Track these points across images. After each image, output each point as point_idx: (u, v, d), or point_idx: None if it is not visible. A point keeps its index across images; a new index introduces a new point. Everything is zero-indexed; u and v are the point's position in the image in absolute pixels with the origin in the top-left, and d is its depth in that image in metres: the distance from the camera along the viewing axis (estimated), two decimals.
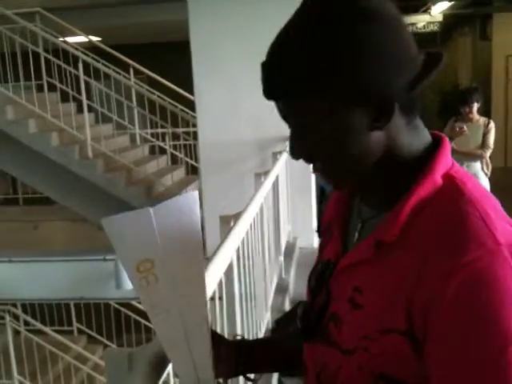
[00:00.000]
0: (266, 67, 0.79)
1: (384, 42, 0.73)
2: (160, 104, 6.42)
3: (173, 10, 6.51)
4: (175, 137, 7.05)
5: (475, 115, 5.14)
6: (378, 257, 0.79)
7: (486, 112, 5.82)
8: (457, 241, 0.71)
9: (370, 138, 0.77)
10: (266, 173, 3.06)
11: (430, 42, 9.91)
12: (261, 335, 2.79)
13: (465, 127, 5.02)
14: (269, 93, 0.79)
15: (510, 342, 0.68)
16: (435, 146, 0.82)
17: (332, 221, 0.94)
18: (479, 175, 5.11)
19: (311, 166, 0.84)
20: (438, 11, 9.10)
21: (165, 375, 0.95)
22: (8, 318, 5.77)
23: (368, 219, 0.86)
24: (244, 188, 4.20)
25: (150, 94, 6.44)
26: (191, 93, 5.87)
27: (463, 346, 0.69)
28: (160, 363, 0.90)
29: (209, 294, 1.45)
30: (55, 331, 6.34)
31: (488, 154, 5.10)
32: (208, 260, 1.60)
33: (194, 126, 6.30)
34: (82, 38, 7.09)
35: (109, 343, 7.48)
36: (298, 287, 4.00)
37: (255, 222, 2.56)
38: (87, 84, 5.88)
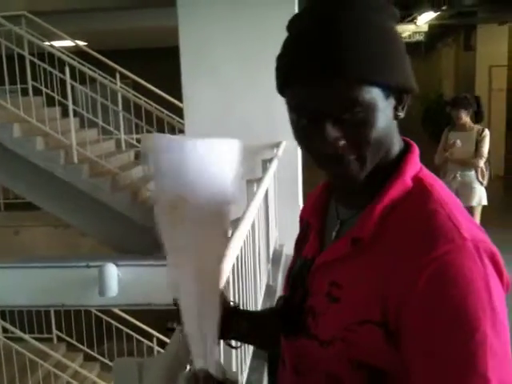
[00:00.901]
0: (320, 38, 0.78)
1: (401, 42, 0.86)
2: (146, 109, 6.38)
3: (161, 16, 6.48)
4: None
5: (468, 123, 5.04)
6: (354, 254, 0.85)
7: None
8: (427, 237, 0.77)
9: (391, 127, 0.85)
10: (259, 180, 3.04)
11: (415, 51, 10.03)
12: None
13: (458, 141, 5.00)
14: (322, 68, 0.77)
15: (475, 329, 0.73)
16: (406, 151, 0.89)
17: (309, 220, 1.01)
18: (474, 184, 5.04)
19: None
20: (423, 21, 9.21)
21: None
22: None
23: (346, 219, 0.91)
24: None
25: (136, 99, 6.39)
26: (178, 99, 5.85)
27: (434, 335, 0.74)
28: (171, 377, 0.86)
29: None
30: (34, 339, 6.26)
31: (481, 162, 4.99)
32: None
33: (181, 131, 6.28)
34: (68, 43, 7.03)
35: (89, 351, 7.40)
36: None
37: (251, 229, 2.54)
38: (72, 88, 5.81)
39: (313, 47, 0.78)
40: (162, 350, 7.13)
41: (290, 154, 4.45)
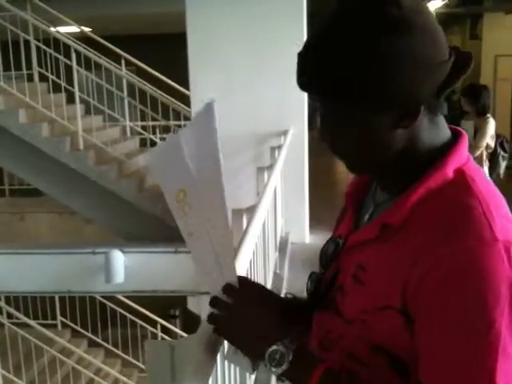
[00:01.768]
0: (304, 61, 0.83)
1: (413, 51, 0.78)
2: (151, 95, 6.36)
3: (168, 2, 6.45)
4: (166, 129, 6.99)
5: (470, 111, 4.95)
6: (382, 238, 0.85)
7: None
8: (455, 229, 0.77)
9: (393, 136, 0.83)
10: (270, 167, 3.03)
11: None
12: None
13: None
14: (302, 85, 0.84)
15: (489, 328, 0.73)
16: (453, 142, 0.87)
17: (347, 200, 1.01)
18: None
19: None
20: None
21: None
22: None
23: (380, 203, 0.92)
24: (240, 182, 4.17)
25: (141, 85, 6.37)
26: (183, 86, 5.83)
27: (445, 326, 0.75)
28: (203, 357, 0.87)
29: None
30: (39, 325, 6.29)
31: (476, 153, 4.85)
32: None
33: (186, 118, 6.27)
34: (73, 29, 7.00)
35: (93, 337, 7.44)
36: (291, 282, 3.99)
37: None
38: (77, 74, 5.79)
39: (299, 59, 0.84)
40: (165, 336, 7.18)
41: (296, 142, 4.45)
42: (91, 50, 6.22)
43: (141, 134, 7.04)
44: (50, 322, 7.19)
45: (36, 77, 6.41)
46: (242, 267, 1.51)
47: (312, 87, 0.84)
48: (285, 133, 4.29)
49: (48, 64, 6.23)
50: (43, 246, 5.66)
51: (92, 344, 7.48)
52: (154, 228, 5.56)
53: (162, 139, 7.01)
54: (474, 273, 0.74)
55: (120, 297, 6.97)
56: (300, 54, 0.84)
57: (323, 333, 0.94)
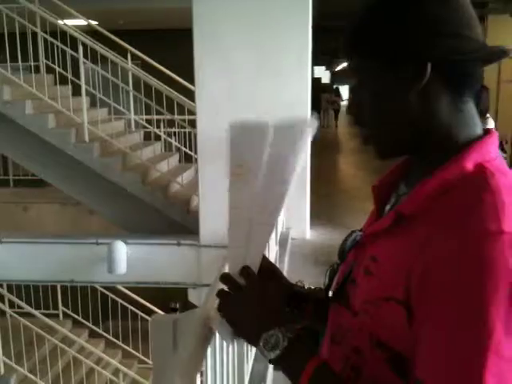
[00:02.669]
0: (345, 29, 0.90)
1: (430, 11, 0.83)
2: (156, 89, 6.41)
3: None
4: (170, 124, 7.05)
5: None
6: (395, 229, 0.85)
7: None
8: (461, 222, 0.76)
9: (408, 101, 0.85)
10: None
11: None
12: None
13: None
14: (342, 49, 0.91)
15: (481, 323, 0.71)
16: (479, 138, 0.86)
17: (374, 193, 1.01)
18: None
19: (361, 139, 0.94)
20: None
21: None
22: None
23: (401, 195, 0.92)
24: None
25: (146, 79, 6.42)
26: (188, 80, 5.87)
27: (441, 318, 0.74)
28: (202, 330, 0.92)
29: None
30: (41, 314, 6.34)
31: None
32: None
33: (190, 113, 6.32)
34: (80, 22, 7.04)
35: (94, 327, 7.51)
36: (290, 277, 4.04)
37: None
38: (84, 67, 5.85)
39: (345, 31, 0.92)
40: None
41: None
42: (98, 43, 6.27)
43: (145, 127, 7.10)
44: (51, 311, 7.25)
45: (43, 68, 6.46)
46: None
47: (346, 47, 0.90)
48: None
49: (55, 56, 6.28)
50: (46, 236, 5.72)
51: (93, 334, 7.55)
52: (157, 220, 5.62)
53: (166, 133, 7.08)
54: (473, 266, 0.73)
55: (121, 288, 7.03)
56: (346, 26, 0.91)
57: (335, 326, 0.95)
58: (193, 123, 5.53)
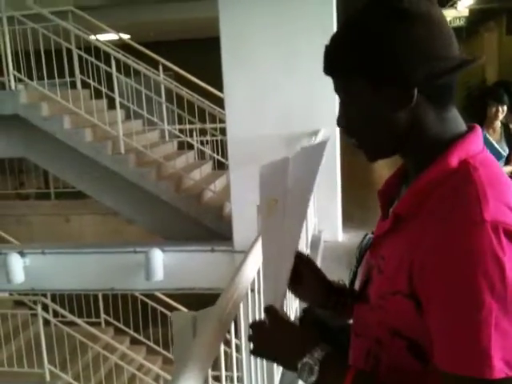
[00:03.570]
0: (326, 48, 0.95)
1: (413, 38, 0.86)
2: (188, 99, 6.53)
3: (202, 7, 6.60)
4: (202, 132, 7.16)
5: (497, 122, 4.29)
6: (396, 229, 0.93)
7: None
8: (448, 214, 0.82)
9: (396, 118, 0.90)
10: None
11: (456, 36, 9.85)
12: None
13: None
14: (324, 68, 0.96)
15: (479, 305, 0.77)
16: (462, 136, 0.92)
17: (379, 197, 1.07)
18: None
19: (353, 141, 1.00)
20: (464, 6, 9.07)
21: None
22: (40, 308, 5.95)
23: (400, 197, 0.98)
24: None
25: (178, 90, 6.55)
26: (218, 89, 5.97)
27: (444, 307, 0.80)
28: (220, 327, 0.99)
29: (247, 284, 1.56)
30: (84, 322, 6.51)
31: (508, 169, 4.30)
32: (247, 252, 1.67)
33: (221, 121, 6.41)
34: (112, 36, 7.23)
35: (135, 335, 7.64)
36: None
37: None
38: (117, 80, 6.01)
39: (325, 52, 0.96)
40: None
41: (328, 142, 4.51)
42: (130, 56, 6.43)
43: (178, 136, 7.24)
44: (94, 320, 7.41)
45: (78, 84, 6.65)
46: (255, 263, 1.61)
47: (329, 68, 0.94)
48: (316, 133, 4.38)
49: (89, 71, 6.47)
50: (87, 246, 5.89)
51: (134, 342, 7.69)
52: (192, 227, 5.72)
53: (199, 142, 7.20)
54: (461, 253, 0.78)
55: (159, 295, 7.15)
56: (325, 45, 0.96)
57: (358, 322, 1.03)
58: (224, 131, 5.63)
